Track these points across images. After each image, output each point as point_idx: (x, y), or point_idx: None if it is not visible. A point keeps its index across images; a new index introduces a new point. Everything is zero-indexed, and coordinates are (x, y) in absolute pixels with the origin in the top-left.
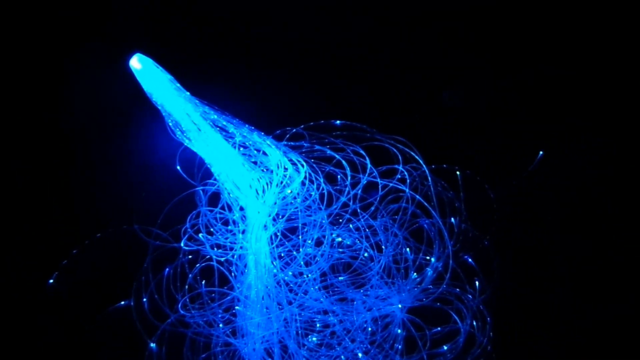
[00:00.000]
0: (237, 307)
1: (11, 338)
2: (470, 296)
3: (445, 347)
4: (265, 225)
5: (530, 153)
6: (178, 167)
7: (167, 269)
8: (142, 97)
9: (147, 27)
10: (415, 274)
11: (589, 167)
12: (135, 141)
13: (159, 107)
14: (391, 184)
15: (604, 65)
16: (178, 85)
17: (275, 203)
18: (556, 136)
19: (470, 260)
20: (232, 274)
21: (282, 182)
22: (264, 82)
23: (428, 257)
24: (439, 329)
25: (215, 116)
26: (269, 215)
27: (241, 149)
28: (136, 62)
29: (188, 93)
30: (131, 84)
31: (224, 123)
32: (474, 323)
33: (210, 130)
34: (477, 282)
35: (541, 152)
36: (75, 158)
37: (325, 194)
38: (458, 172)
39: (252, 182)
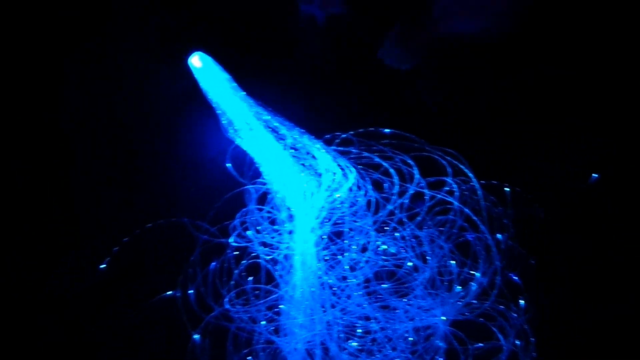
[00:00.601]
0: (281, 306)
1: (60, 319)
2: (514, 314)
3: None
4: (312, 228)
5: (583, 174)
6: (229, 165)
7: (214, 264)
8: (199, 95)
9: (209, 26)
10: (459, 287)
11: None
12: (189, 137)
13: (215, 105)
14: (439, 196)
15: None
16: (234, 84)
17: (323, 206)
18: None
19: (515, 278)
20: (278, 273)
21: (330, 186)
22: (317, 87)
23: (473, 272)
24: (481, 344)
25: (268, 117)
26: (316, 218)
27: (291, 150)
28: (196, 60)
29: (243, 93)
30: (190, 81)
31: (276, 124)
32: (517, 342)
33: (262, 131)
34: (521, 301)
35: (595, 175)
36: (134, 149)
37: (373, 201)
38: (507, 189)
39: (301, 185)
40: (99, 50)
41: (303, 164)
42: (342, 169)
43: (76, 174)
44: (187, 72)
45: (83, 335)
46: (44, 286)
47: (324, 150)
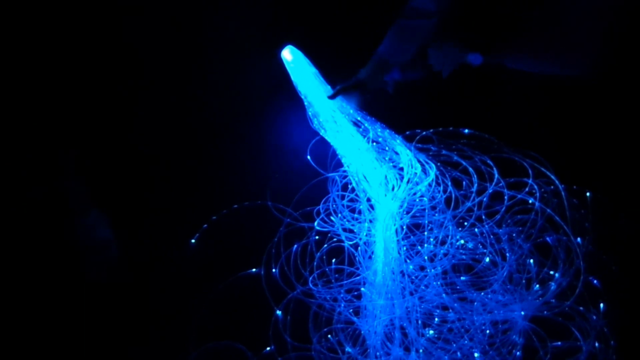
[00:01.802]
0: (362, 289)
1: (148, 292)
2: (594, 317)
3: None
4: (393, 218)
5: None
6: (308, 157)
7: (296, 245)
8: (289, 87)
9: (301, 21)
10: (537, 286)
11: None
12: (277, 126)
13: (303, 98)
14: (519, 196)
15: None
16: (322, 79)
17: (403, 199)
18: None
19: (595, 282)
20: (359, 258)
21: (410, 180)
22: (400, 85)
23: (552, 272)
24: (559, 343)
25: (352, 111)
26: (397, 209)
27: (373, 144)
28: (287, 54)
29: (330, 87)
30: (281, 73)
31: (359, 118)
32: (597, 344)
33: (346, 123)
34: (601, 304)
35: None
36: (222, 137)
37: (453, 197)
38: (588, 194)
39: (382, 177)
40: (189, 41)
41: (384, 157)
42: (422, 165)
43: (173, 157)
44: (278, 64)
45: (170, 308)
46: (136, 257)
47: (404, 146)
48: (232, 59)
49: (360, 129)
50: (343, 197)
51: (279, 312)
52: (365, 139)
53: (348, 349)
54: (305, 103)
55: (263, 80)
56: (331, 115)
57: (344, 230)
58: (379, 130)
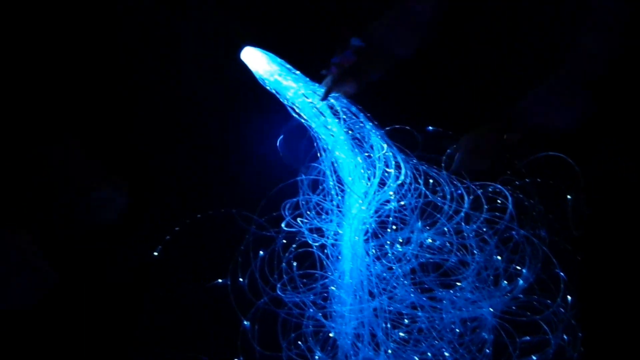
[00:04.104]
0: (331, 288)
1: (110, 305)
2: (561, 309)
3: (534, 358)
4: (361, 218)
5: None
6: (279, 151)
7: (263, 252)
8: (254, 86)
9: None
10: (505, 282)
11: None
12: (242, 127)
13: (271, 93)
14: (480, 192)
15: None
16: (289, 67)
17: (372, 197)
18: None
19: (562, 274)
20: (327, 260)
21: (382, 178)
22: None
23: (519, 268)
24: (528, 338)
25: (333, 99)
26: (365, 209)
27: (349, 136)
28: (247, 54)
29: (299, 72)
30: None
31: (338, 107)
32: (565, 337)
33: (324, 111)
34: (568, 297)
35: None
36: (187, 141)
37: (421, 196)
38: (569, 197)
39: (354, 173)
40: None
41: (359, 152)
42: (397, 162)
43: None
44: (240, 66)
45: (134, 322)
46: (98, 274)
47: (382, 140)
48: (190, 64)
49: (338, 120)
50: (311, 197)
51: (246, 323)
52: (342, 129)
53: (318, 353)
54: (279, 97)
55: (223, 83)
56: (307, 105)
57: (311, 231)
58: (361, 121)
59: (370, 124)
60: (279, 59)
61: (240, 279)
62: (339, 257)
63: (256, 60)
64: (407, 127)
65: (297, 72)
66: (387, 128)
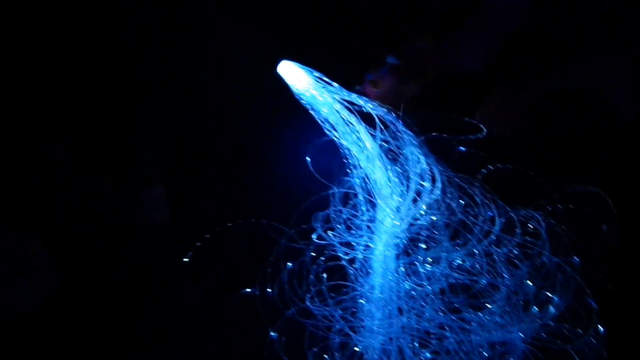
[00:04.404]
0: (360, 302)
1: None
2: (592, 339)
3: None
4: (393, 233)
5: None
6: (308, 159)
7: (292, 264)
8: (291, 98)
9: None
10: (536, 308)
11: None
12: (277, 138)
13: (306, 107)
14: (514, 215)
15: None
16: (325, 81)
17: (406, 213)
18: None
19: (593, 303)
20: (356, 274)
21: (417, 193)
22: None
23: (550, 295)
24: None
25: (369, 106)
26: (398, 224)
27: (384, 148)
28: (284, 68)
29: (336, 85)
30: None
31: (374, 114)
32: None
33: (354, 128)
34: (599, 326)
35: None
36: (220, 149)
37: (455, 214)
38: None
39: (387, 188)
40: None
41: (394, 165)
42: (433, 177)
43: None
44: (277, 78)
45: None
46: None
47: (419, 154)
48: (229, 69)
49: (372, 134)
50: (343, 211)
51: (273, 334)
52: (377, 143)
53: None
54: (310, 112)
55: (260, 94)
56: (341, 120)
57: (342, 244)
58: (395, 133)
59: (407, 134)
60: (315, 73)
61: (269, 289)
62: (369, 272)
63: (293, 74)
64: (444, 135)
65: (334, 84)
66: (423, 137)
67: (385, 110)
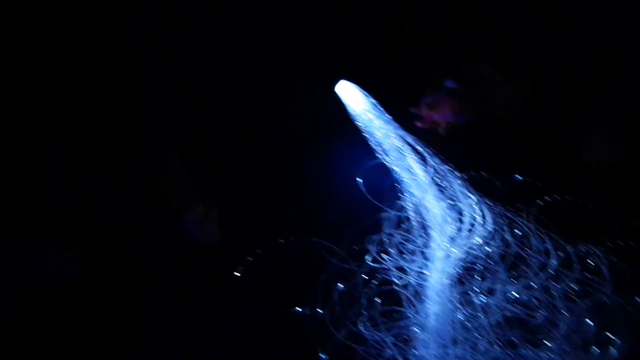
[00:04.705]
0: (413, 329)
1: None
2: None
3: None
4: (447, 263)
5: None
6: (360, 181)
7: (344, 285)
8: (347, 119)
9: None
10: (597, 349)
11: None
12: (332, 158)
13: (361, 130)
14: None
15: None
16: (380, 109)
17: (458, 244)
18: None
19: None
20: (411, 300)
21: (468, 226)
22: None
23: (611, 335)
24: None
25: (414, 143)
26: (452, 254)
27: (435, 180)
28: (342, 88)
29: (389, 117)
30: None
31: (423, 150)
32: None
33: (408, 156)
34: None
35: None
36: (277, 167)
37: (509, 249)
38: None
39: (440, 217)
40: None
41: (445, 197)
42: (482, 211)
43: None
44: (334, 97)
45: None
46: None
47: (466, 188)
48: (285, 87)
49: (423, 162)
50: (396, 235)
51: (323, 356)
52: (428, 174)
53: None
54: (365, 136)
55: (316, 113)
56: (394, 146)
57: (397, 269)
58: (443, 169)
59: (457, 175)
60: (372, 99)
61: (320, 310)
62: (423, 299)
63: (350, 95)
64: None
65: (388, 116)
66: (473, 173)
67: (439, 139)
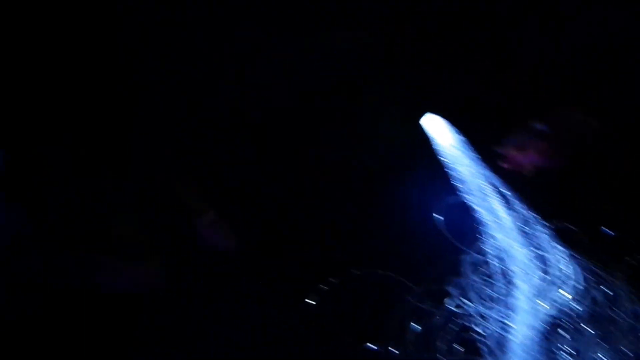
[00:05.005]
0: None
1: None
2: None
3: None
4: (535, 316)
5: None
6: (440, 218)
7: (421, 326)
8: (431, 154)
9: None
10: None
11: None
12: (415, 193)
13: (446, 165)
14: None
15: None
16: (467, 147)
17: (548, 300)
18: None
19: None
20: (493, 351)
21: (554, 277)
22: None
23: None
24: None
25: (498, 185)
26: (540, 309)
27: (519, 225)
28: (428, 121)
29: (476, 156)
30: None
31: (507, 194)
32: None
33: (492, 197)
34: None
35: None
36: (361, 199)
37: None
38: None
39: (525, 263)
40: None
41: (530, 245)
42: (570, 264)
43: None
44: (420, 131)
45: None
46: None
47: (553, 238)
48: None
49: (508, 207)
50: (476, 279)
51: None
52: (511, 218)
53: None
54: (449, 173)
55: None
56: (477, 185)
57: (478, 315)
58: (529, 212)
59: (543, 223)
60: (458, 134)
61: (394, 350)
62: (507, 353)
63: (437, 128)
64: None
65: (474, 154)
66: (560, 223)
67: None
